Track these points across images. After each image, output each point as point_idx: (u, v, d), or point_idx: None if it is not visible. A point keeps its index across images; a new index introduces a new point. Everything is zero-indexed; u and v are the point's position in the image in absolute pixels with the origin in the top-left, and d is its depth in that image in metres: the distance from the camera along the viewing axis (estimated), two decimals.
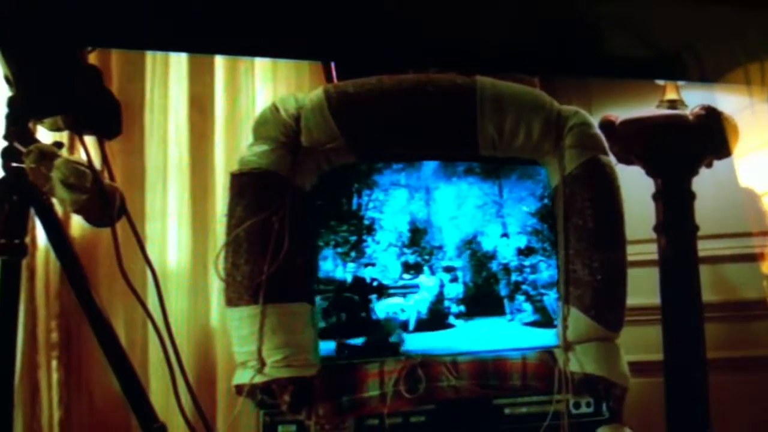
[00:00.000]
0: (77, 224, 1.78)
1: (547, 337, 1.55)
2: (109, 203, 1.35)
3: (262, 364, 1.39)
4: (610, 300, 1.47)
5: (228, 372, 1.64)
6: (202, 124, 2.00)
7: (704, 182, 1.79)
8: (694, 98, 1.91)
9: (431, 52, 1.20)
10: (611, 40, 1.14)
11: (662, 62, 1.24)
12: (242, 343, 1.41)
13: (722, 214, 2.08)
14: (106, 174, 1.41)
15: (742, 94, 1.71)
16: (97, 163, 1.35)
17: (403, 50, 1.18)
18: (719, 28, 1.16)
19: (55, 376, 1.75)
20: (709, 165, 1.81)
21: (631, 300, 1.49)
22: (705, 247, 1.85)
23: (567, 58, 1.21)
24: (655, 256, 1.80)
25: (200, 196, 1.97)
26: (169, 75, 1.97)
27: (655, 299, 1.78)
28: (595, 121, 1.58)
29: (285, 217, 1.39)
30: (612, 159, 1.56)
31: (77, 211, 1.36)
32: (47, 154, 1.31)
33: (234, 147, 1.98)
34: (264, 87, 2.05)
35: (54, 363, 1.75)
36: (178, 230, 1.95)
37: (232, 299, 1.40)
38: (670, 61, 1.23)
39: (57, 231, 1.39)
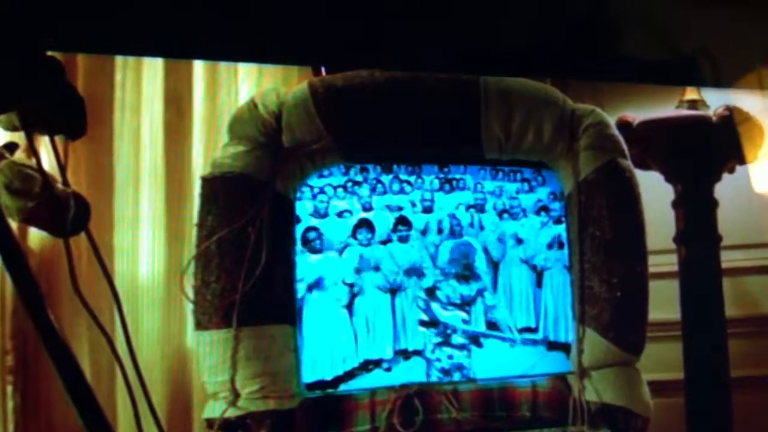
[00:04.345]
0: (36, 234, 1.68)
1: None
2: (62, 212, 1.22)
3: (236, 395, 1.30)
4: (631, 320, 1.41)
5: (206, 399, 1.52)
6: (178, 124, 1.89)
7: (726, 189, 1.75)
8: (716, 98, 1.87)
9: (434, 55, 1.12)
10: (626, 43, 1.11)
11: (680, 67, 1.23)
12: (213, 371, 1.32)
13: (745, 222, 2.02)
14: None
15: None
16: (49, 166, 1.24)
17: (405, 52, 1.12)
18: (738, 31, 1.12)
19: (10, 403, 1.64)
20: (732, 170, 1.78)
21: (650, 315, 1.44)
22: (727, 258, 1.80)
23: (581, 61, 1.16)
24: (675, 268, 1.75)
25: (176, 202, 1.87)
26: (142, 69, 1.88)
27: (675, 314, 1.73)
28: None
29: (263, 227, 1.32)
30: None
31: (24, 221, 1.28)
32: None
33: (213, 149, 1.87)
34: (247, 83, 1.96)
35: (9, 389, 1.64)
36: (151, 240, 1.84)
37: (201, 322, 1.34)
38: (687, 65, 1.20)
39: (6, 241, 1.25)
